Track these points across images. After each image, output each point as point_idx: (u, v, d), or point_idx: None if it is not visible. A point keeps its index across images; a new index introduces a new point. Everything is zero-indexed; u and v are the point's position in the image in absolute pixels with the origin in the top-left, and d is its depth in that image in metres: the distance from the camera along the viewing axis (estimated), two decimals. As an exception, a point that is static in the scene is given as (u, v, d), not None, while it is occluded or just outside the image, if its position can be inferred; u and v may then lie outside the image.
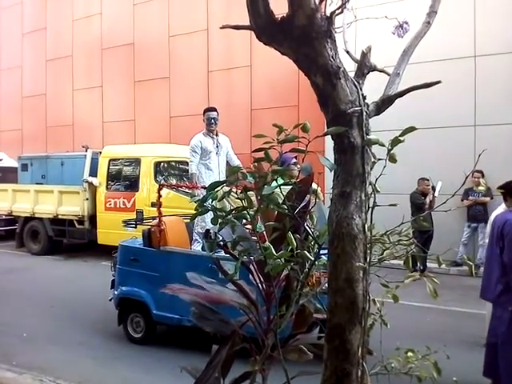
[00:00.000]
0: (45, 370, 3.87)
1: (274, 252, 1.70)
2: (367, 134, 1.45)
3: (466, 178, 1.80)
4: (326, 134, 1.38)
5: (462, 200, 8.07)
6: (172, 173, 9.03)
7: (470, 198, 8.00)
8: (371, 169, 1.48)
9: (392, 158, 1.51)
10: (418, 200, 7.74)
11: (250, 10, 1.47)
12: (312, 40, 1.43)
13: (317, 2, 1.42)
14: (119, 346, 4.57)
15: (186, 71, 12.10)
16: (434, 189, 7.61)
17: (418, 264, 7.67)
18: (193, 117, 12.01)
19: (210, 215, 4.70)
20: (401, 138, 1.45)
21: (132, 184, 9.10)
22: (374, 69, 1.62)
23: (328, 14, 1.45)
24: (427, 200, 7.59)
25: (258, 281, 1.89)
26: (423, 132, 8.34)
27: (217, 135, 5.45)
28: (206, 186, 5.13)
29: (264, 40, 1.54)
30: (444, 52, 8.39)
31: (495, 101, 8.06)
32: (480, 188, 7.20)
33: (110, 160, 9.43)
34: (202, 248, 4.89)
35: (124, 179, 9.29)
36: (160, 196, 4.62)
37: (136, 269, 4.59)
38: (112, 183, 9.37)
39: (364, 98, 1.52)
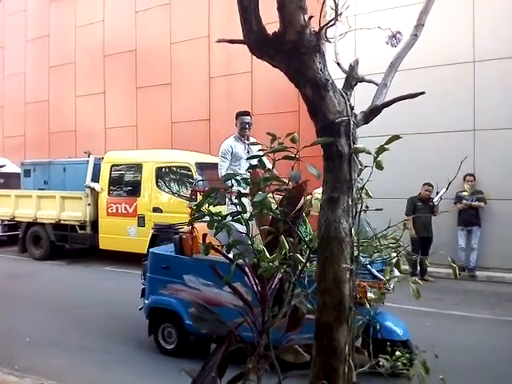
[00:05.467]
0: (47, 373, 3.93)
1: (268, 255, 1.79)
2: (354, 143, 1.53)
3: (449, 184, 1.87)
4: (313, 144, 1.46)
5: (455, 203, 8.14)
6: (173, 178, 9.13)
7: (464, 201, 8.07)
8: (358, 175, 1.55)
9: (378, 166, 1.59)
10: (411, 204, 7.89)
11: (243, 25, 1.55)
12: (301, 55, 1.52)
13: (306, 19, 1.51)
14: (122, 349, 4.64)
15: (187, 78, 12.24)
16: (437, 194, 7.71)
17: (419, 268, 7.75)
18: (194, 122, 12.17)
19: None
20: (386, 147, 1.53)
21: (134, 189, 9.19)
22: (362, 80, 1.70)
23: (317, 29, 1.54)
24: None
25: (253, 283, 1.96)
26: (426, 136, 8.48)
27: (248, 140, 5.32)
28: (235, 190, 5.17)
29: (257, 54, 1.62)
30: (443, 57, 8.49)
31: (494, 106, 8.14)
32: (464, 193, 7.28)
33: (111, 165, 9.54)
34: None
35: (126, 184, 9.39)
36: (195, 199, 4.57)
37: (167, 277, 4.30)
38: (114, 188, 9.47)
39: (352, 108, 1.60)
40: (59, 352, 4.53)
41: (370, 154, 1.53)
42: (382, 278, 3.63)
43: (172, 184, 8.93)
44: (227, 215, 1.73)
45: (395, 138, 1.52)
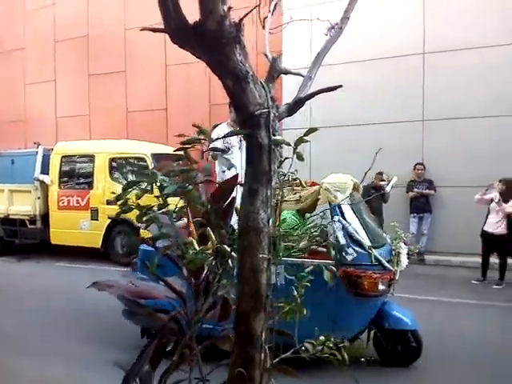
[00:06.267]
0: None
1: (197, 247, 1.79)
2: (274, 135, 1.54)
3: (365, 175, 1.94)
4: (225, 136, 1.47)
5: (407, 192, 8.46)
6: (130, 169, 8.92)
7: (416, 190, 8.40)
8: (279, 167, 1.58)
9: (299, 157, 1.62)
10: (365, 192, 8.10)
11: (161, 11, 1.53)
12: (222, 45, 1.51)
13: (225, 9, 1.50)
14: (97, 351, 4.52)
15: (142, 65, 11.92)
16: (388, 183, 7.95)
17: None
18: (150, 112, 11.90)
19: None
20: (306, 138, 1.56)
21: (86, 181, 8.92)
22: (287, 72, 1.72)
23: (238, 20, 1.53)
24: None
25: (186, 275, 1.96)
26: (377, 127, 8.71)
27: None
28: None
29: (178, 43, 1.60)
30: (394, 48, 8.72)
31: (442, 96, 8.47)
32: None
33: (62, 157, 9.20)
34: None
35: (77, 177, 9.10)
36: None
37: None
38: (65, 181, 9.15)
39: (274, 100, 1.62)
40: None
41: (290, 145, 1.56)
42: (392, 268, 3.69)
43: (130, 176, 8.73)
44: (152, 207, 1.71)
45: (313, 130, 1.55)
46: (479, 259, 7.13)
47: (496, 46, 8.05)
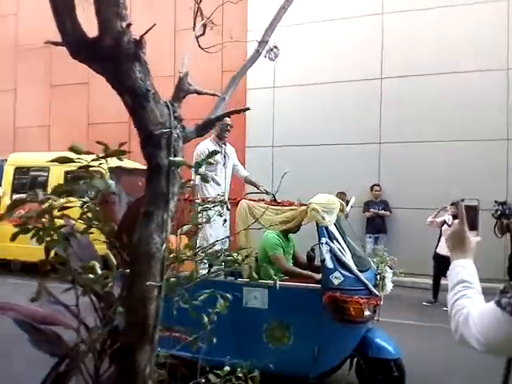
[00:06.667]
0: None
1: (99, 270, 1.70)
2: (175, 155, 1.49)
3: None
4: (110, 155, 1.41)
5: (364, 212, 8.59)
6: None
7: (372, 210, 8.53)
8: (181, 188, 1.52)
9: (203, 179, 1.57)
10: None
11: (57, 26, 1.47)
12: (120, 62, 1.46)
13: (124, 26, 1.45)
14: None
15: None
16: (347, 203, 8.03)
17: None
18: (112, 124, 11.67)
19: (212, 231, 4.23)
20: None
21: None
22: (196, 92, 1.68)
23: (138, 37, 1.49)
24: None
25: (92, 299, 1.86)
26: (336, 148, 8.86)
27: (225, 145, 4.88)
28: (210, 199, 4.66)
29: (78, 59, 1.54)
30: (354, 73, 8.93)
31: (399, 120, 8.71)
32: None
33: (16, 168, 8.87)
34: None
35: (31, 189, 8.74)
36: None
37: None
38: (18, 193, 8.78)
39: (179, 120, 1.57)
40: None
41: (191, 167, 1.51)
42: (378, 293, 3.56)
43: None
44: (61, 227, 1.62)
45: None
46: (430, 280, 7.25)
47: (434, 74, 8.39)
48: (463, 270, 1.33)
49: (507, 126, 8.12)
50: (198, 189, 4.57)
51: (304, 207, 3.69)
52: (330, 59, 9.06)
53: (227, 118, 4.75)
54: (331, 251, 3.51)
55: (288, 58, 9.45)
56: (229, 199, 4.08)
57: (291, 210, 3.75)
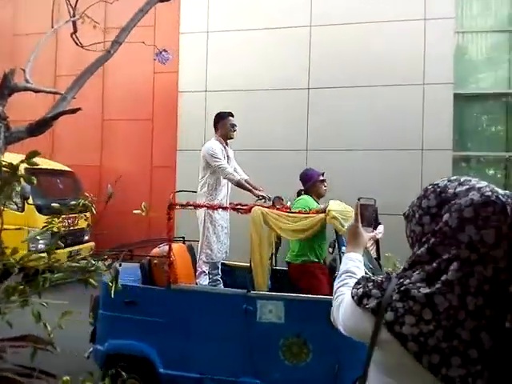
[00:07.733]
0: None
1: None
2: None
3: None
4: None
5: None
6: None
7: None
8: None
9: (30, 180, 1.52)
10: None
11: None
12: None
13: None
14: None
15: (31, 74, 11.15)
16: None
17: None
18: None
19: (216, 240, 4.19)
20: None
21: None
22: (27, 89, 1.63)
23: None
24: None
25: None
26: (264, 153, 8.99)
27: (227, 145, 4.65)
28: (217, 202, 4.27)
29: None
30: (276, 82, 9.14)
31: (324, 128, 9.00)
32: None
33: None
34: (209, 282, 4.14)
35: None
36: (170, 218, 3.67)
37: (133, 315, 3.55)
38: None
39: (2, 118, 1.51)
40: None
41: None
42: None
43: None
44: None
45: (34, 153, 1.47)
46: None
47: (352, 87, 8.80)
48: (351, 262, 1.46)
49: (422, 137, 8.66)
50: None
51: (322, 215, 3.51)
52: (265, 68, 9.22)
53: (232, 118, 4.57)
54: None
55: (221, 62, 9.54)
56: (238, 204, 4.07)
57: (308, 217, 3.56)
